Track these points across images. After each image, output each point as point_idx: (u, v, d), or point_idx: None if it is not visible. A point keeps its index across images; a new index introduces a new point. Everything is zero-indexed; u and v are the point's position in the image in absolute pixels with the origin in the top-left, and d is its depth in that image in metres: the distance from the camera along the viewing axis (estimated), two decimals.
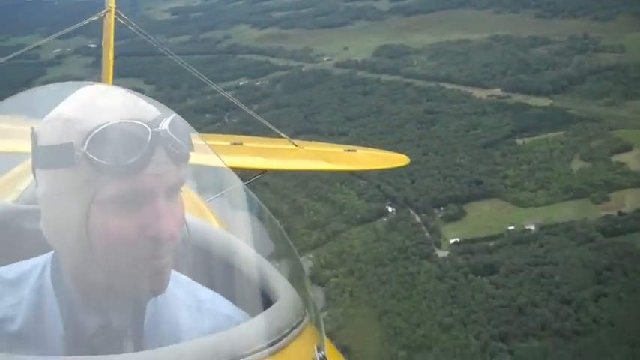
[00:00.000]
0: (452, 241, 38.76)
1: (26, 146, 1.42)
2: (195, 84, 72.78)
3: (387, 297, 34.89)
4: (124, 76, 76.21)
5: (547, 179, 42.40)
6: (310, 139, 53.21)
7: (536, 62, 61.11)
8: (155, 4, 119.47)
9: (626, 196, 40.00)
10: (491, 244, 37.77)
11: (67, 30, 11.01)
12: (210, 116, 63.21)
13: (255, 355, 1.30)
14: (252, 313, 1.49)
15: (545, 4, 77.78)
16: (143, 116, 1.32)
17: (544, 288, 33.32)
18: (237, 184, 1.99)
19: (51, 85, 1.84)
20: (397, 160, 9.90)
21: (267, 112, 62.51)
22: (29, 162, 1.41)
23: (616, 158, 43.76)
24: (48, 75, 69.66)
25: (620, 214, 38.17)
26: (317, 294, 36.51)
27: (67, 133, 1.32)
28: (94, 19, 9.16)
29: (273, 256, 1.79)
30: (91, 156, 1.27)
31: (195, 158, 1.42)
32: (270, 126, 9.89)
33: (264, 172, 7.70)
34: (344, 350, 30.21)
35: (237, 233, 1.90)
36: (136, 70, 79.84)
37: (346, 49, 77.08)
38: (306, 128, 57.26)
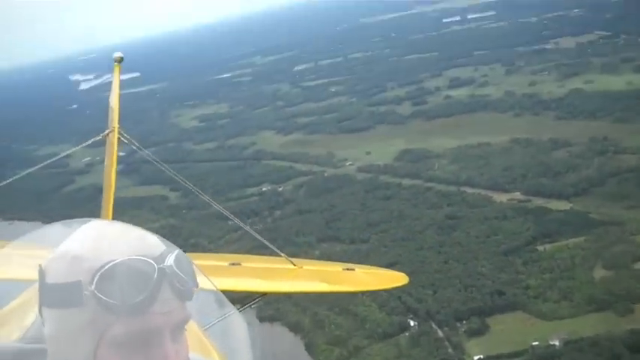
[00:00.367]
0: (476, 357, 37.79)
1: (29, 274, 1.46)
2: (219, 189, 74.43)
3: None
4: (150, 183, 78.27)
5: (570, 289, 41.49)
6: (332, 246, 53.82)
7: (557, 165, 61.13)
8: (183, 111, 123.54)
9: None
10: None
11: (72, 150, 11.86)
12: (232, 223, 63.47)
13: None
14: None
15: (565, 105, 78.55)
16: (149, 252, 1.37)
17: None
18: (233, 312, 2.01)
19: (57, 223, 1.85)
20: (396, 279, 9.65)
21: (290, 218, 63.47)
22: (33, 290, 1.43)
23: (639, 265, 42.91)
24: (77, 183, 71.65)
25: None
26: None
27: (75, 270, 1.34)
28: (97, 138, 9.20)
29: None
30: (100, 295, 1.30)
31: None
32: (268, 244, 10.08)
33: (263, 294, 7.60)
34: None
35: None
36: (163, 178, 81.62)
37: (368, 153, 78.16)
38: (328, 235, 57.56)
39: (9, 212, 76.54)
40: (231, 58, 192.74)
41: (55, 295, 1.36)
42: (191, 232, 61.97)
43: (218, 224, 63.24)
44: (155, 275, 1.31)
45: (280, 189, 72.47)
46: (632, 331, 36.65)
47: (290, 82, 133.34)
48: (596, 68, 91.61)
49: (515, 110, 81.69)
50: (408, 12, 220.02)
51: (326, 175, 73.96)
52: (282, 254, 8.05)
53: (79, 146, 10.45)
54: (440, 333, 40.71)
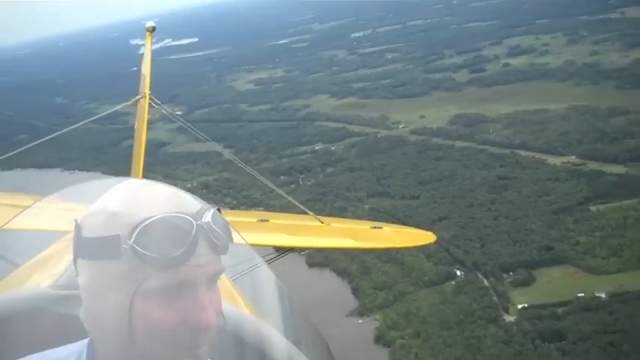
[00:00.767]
0: (520, 306, 37.94)
1: (59, 226, 1.59)
2: (272, 147, 75.51)
3: None
4: (207, 140, 79.75)
5: (619, 246, 41.10)
6: (382, 201, 54.32)
7: (614, 131, 59.86)
8: (240, 75, 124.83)
9: None
10: (559, 310, 36.85)
11: (101, 115, 11.71)
12: (285, 178, 64.84)
13: None
14: None
15: (626, 75, 76.45)
16: (186, 209, 1.39)
17: (612, 356, 32.22)
18: (261, 263, 2.07)
19: (91, 181, 1.90)
20: (424, 237, 9.57)
21: (341, 175, 64.02)
22: (64, 241, 1.54)
23: None
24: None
25: None
26: (382, 354, 36.52)
27: (113, 225, 1.37)
28: (128, 103, 9.62)
29: (301, 340, 1.84)
30: (139, 248, 1.33)
31: None
32: (296, 203, 10.29)
33: (290, 249, 7.64)
34: None
35: (263, 316, 1.99)
36: (218, 135, 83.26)
37: (422, 117, 77.92)
38: (378, 191, 58.06)
39: (72, 163, 79.56)
40: (290, 24, 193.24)
41: (92, 248, 1.41)
42: (244, 186, 63.20)
43: (270, 178, 64.04)
44: (193, 231, 1.36)
45: (333, 148, 73.07)
46: None
47: (347, 48, 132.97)
48: None
49: (574, 79, 79.89)
50: None
51: (379, 136, 74.14)
52: (310, 212, 8.34)
53: (110, 110, 11.36)
54: (485, 283, 40.99)
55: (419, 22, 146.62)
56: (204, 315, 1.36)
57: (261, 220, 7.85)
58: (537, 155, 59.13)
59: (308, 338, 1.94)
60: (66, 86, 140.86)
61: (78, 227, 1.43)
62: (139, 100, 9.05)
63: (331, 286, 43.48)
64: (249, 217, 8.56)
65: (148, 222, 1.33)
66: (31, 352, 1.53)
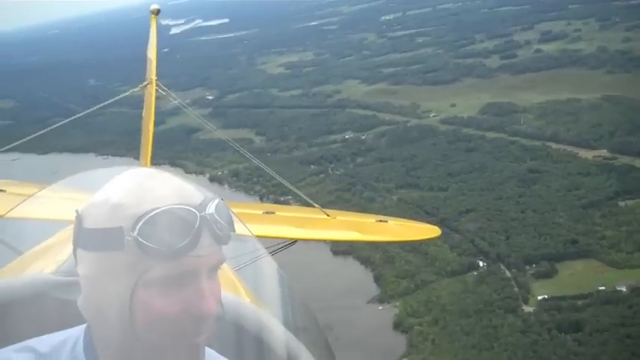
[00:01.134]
0: (540, 297, 38.54)
1: (63, 215, 1.55)
2: (303, 135, 76.13)
3: (469, 347, 35.37)
4: (236, 127, 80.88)
5: None
6: (410, 193, 54.87)
7: None
8: (270, 58, 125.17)
9: None
10: (579, 302, 37.36)
11: (108, 102, 11.88)
12: (314, 167, 65.57)
13: None
14: None
15: None
16: (190, 200, 1.39)
17: (628, 349, 32.74)
18: (264, 254, 2.07)
19: (95, 169, 1.90)
20: (428, 231, 9.85)
21: (371, 165, 64.53)
22: (68, 230, 1.52)
23: None
24: (167, 124, 74.44)
25: None
26: (400, 340, 37.36)
27: (116, 217, 1.37)
28: (135, 90, 9.58)
29: (300, 331, 1.84)
30: (142, 240, 1.33)
31: None
32: (302, 195, 10.58)
33: (295, 241, 7.60)
34: None
35: (263, 305, 2.00)
36: (250, 121, 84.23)
37: (453, 105, 77.80)
38: (407, 182, 58.54)
39: (106, 148, 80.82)
40: (319, 5, 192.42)
41: (93, 239, 1.41)
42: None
43: (300, 167, 65.24)
44: (197, 223, 1.37)
45: (363, 137, 73.38)
46: None
47: (376, 31, 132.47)
48: None
49: (607, 67, 79.16)
50: None
51: (409, 125, 74.25)
52: (316, 205, 8.36)
53: (117, 97, 11.10)
54: (508, 274, 41.62)
55: (449, 5, 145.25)
56: (205, 304, 1.39)
57: (267, 212, 7.98)
58: (569, 148, 59.07)
59: (307, 328, 1.95)
60: (99, 67, 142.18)
61: (79, 218, 1.45)
62: (146, 86, 9.11)
63: (354, 273, 44.45)
64: (255, 209, 8.63)
65: (151, 214, 1.35)
66: (31, 337, 1.57)
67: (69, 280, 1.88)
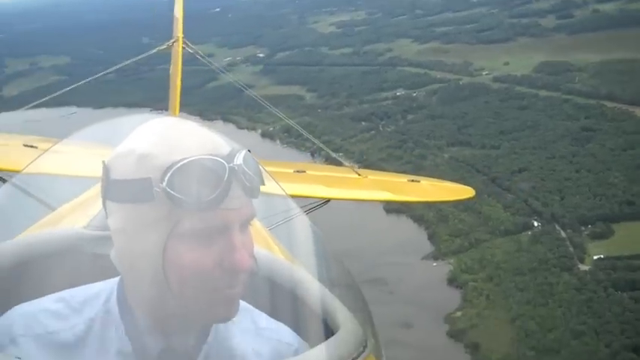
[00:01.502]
0: (596, 257, 38.42)
1: (95, 171, 1.51)
2: (354, 93, 76.13)
3: (523, 303, 35.56)
4: (288, 83, 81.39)
5: None
6: (461, 150, 54.74)
7: None
8: (321, 18, 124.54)
9: None
10: (636, 262, 36.99)
11: (133, 59, 11.68)
12: (365, 124, 65.73)
13: None
14: (313, 343, 1.54)
15: None
16: (218, 151, 1.38)
17: None
18: (298, 213, 2.05)
19: (121, 117, 1.89)
20: (462, 192, 9.91)
21: (422, 122, 64.37)
22: (98, 187, 1.47)
23: None
24: (219, 80, 75.21)
25: None
26: (454, 295, 37.79)
27: (144, 168, 1.35)
28: (162, 47, 9.51)
29: (335, 287, 1.80)
30: (171, 192, 1.32)
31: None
32: (332, 153, 10.72)
33: (327, 200, 7.57)
34: (474, 347, 31.64)
35: (298, 262, 1.96)
36: (300, 78, 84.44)
37: (506, 64, 76.59)
38: (458, 140, 58.34)
39: (160, 103, 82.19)
40: None
41: (121, 190, 1.39)
42: (324, 130, 64.21)
43: (351, 124, 65.53)
44: (226, 174, 1.35)
45: (414, 94, 72.96)
46: None
47: None
48: None
49: None
50: None
51: (461, 83, 73.46)
52: (347, 164, 8.47)
53: (141, 56, 11.00)
54: (562, 234, 41.48)
55: None
56: (238, 257, 1.38)
57: (298, 171, 7.99)
58: (624, 107, 57.76)
59: (343, 285, 1.91)
60: (152, 26, 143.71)
61: (106, 169, 1.43)
62: (172, 43, 9.10)
63: (408, 231, 44.73)
64: (286, 167, 8.47)
65: (180, 165, 1.33)
66: (65, 289, 1.59)
67: (101, 234, 1.91)
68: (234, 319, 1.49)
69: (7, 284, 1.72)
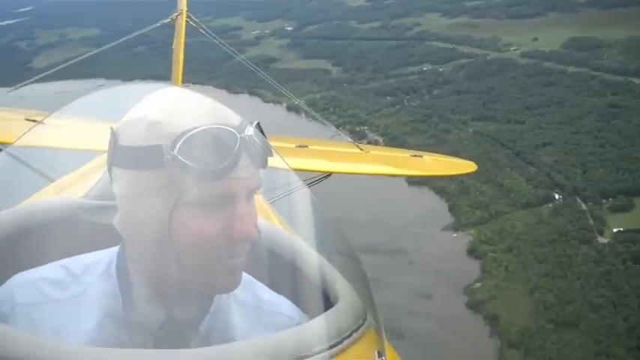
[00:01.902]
0: (615, 229, 38.49)
1: (95, 145, 1.52)
2: (380, 67, 76.07)
3: (541, 275, 35.80)
4: (314, 57, 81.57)
5: None
6: (486, 125, 54.71)
7: None
8: None
9: None
10: None
11: (138, 32, 11.17)
12: (390, 99, 65.74)
13: (315, 356, 1.32)
14: (312, 315, 1.53)
15: None
16: (229, 121, 1.39)
17: None
18: (300, 186, 2.03)
19: (121, 85, 1.83)
20: (464, 166, 9.87)
21: (447, 97, 64.21)
22: (98, 160, 1.49)
23: None
24: (247, 53, 75.39)
25: None
26: (473, 265, 38.23)
27: (154, 135, 1.36)
28: (166, 21, 9.40)
29: (335, 259, 1.79)
30: (182, 159, 1.33)
31: None
32: (335, 129, 10.85)
33: (329, 174, 7.59)
34: (493, 319, 32.08)
35: (299, 234, 1.96)
36: (327, 52, 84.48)
37: (535, 39, 75.73)
38: (484, 115, 58.19)
39: (186, 76, 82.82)
40: None
41: (130, 157, 1.39)
42: (350, 104, 64.52)
43: (376, 98, 65.67)
44: (237, 144, 1.35)
45: (441, 69, 72.55)
46: None
47: None
48: None
49: None
50: None
51: (488, 58, 72.79)
52: (350, 139, 8.58)
53: (145, 29, 10.62)
54: (583, 207, 41.60)
55: None
56: (244, 226, 1.39)
57: (300, 146, 7.95)
58: None
59: (342, 256, 1.89)
60: None
61: (114, 135, 1.43)
62: (176, 17, 9.11)
63: (429, 203, 45.02)
64: (288, 142, 8.30)
65: (192, 133, 1.33)
66: (64, 258, 1.59)
67: (99, 203, 1.91)
68: (235, 290, 1.52)
69: (7, 252, 1.72)
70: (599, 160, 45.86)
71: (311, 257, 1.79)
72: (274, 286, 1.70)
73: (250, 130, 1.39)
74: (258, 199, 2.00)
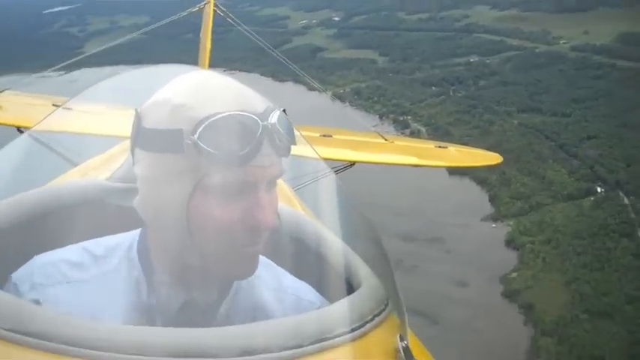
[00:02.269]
0: None
1: (120, 130, 1.51)
2: (426, 57, 75.90)
3: (579, 266, 35.58)
4: (360, 47, 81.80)
5: None
6: (532, 117, 54.40)
7: None
8: None
9: None
10: None
11: (166, 20, 11.23)
12: (436, 89, 65.60)
13: (337, 339, 1.29)
14: (334, 300, 1.49)
15: None
16: (252, 107, 1.36)
17: None
18: (326, 173, 2.02)
19: (150, 67, 1.89)
20: (490, 158, 9.89)
21: (493, 88, 63.77)
22: (123, 145, 1.47)
23: None
24: (293, 43, 76.16)
25: None
26: (511, 256, 38.26)
27: (177, 118, 1.34)
28: (194, 10, 9.66)
29: (359, 246, 1.76)
30: (202, 145, 1.30)
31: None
32: (361, 120, 10.97)
33: (353, 163, 7.65)
34: (528, 308, 32.14)
35: (322, 221, 1.95)
36: (374, 42, 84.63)
37: (586, 33, 74.59)
38: (529, 106, 57.67)
39: (233, 64, 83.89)
40: None
41: (152, 139, 1.38)
42: (394, 94, 64.58)
43: (421, 88, 65.65)
44: (259, 131, 1.32)
45: (488, 61, 72.02)
46: None
47: None
48: None
49: None
50: None
51: (537, 51, 72.14)
52: (374, 129, 8.62)
53: (172, 18, 10.76)
54: (626, 201, 40.97)
55: None
56: (263, 215, 1.37)
57: (324, 135, 7.97)
58: None
59: (366, 243, 1.87)
60: None
61: (138, 117, 1.41)
62: (204, 5, 9.29)
63: (469, 193, 44.90)
64: (313, 131, 8.20)
65: (213, 118, 1.31)
66: (86, 240, 1.59)
67: (123, 185, 1.89)
68: (256, 274, 1.51)
69: (30, 233, 1.72)
70: None
71: (334, 243, 1.78)
72: (295, 271, 1.70)
73: (274, 118, 1.37)
74: (282, 186, 2.04)
